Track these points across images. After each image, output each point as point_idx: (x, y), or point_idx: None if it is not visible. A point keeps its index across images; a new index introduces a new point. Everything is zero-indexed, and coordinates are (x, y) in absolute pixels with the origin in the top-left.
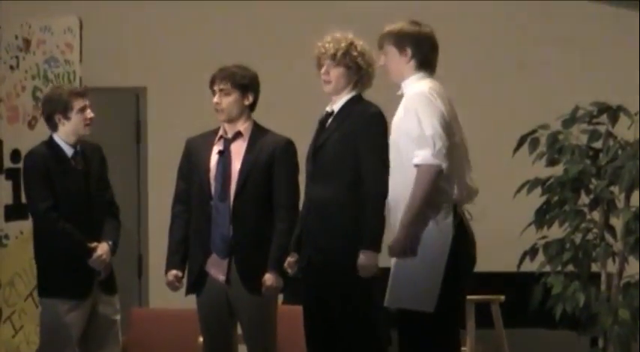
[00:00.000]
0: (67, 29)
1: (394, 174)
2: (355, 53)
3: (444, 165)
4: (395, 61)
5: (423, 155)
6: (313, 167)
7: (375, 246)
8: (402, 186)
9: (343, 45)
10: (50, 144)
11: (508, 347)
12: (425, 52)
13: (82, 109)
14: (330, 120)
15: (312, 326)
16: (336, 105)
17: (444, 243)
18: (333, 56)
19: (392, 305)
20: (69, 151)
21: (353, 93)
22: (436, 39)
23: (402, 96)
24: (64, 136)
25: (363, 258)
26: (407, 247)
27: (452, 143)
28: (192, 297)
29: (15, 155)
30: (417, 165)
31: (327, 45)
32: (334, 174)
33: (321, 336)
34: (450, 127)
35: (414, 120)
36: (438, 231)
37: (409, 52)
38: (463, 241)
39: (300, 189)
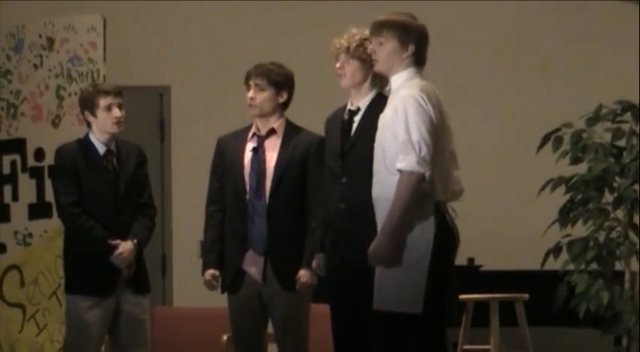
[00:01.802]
0: (90, 28)
1: (376, 173)
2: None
3: (427, 173)
4: (390, 53)
5: (408, 161)
6: (343, 166)
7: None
8: (383, 186)
9: (357, 38)
10: (84, 141)
11: (532, 346)
12: (423, 49)
13: (109, 107)
14: (357, 119)
15: (341, 327)
16: (361, 103)
17: (426, 242)
18: (347, 49)
19: (379, 307)
20: (101, 150)
21: (376, 91)
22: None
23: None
24: (97, 134)
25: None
26: (388, 255)
27: (439, 146)
28: (217, 296)
29: (38, 154)
30: (400, 170)
31: (341, 40)
32: (368, 174)
33: (349, 336)
34: (438, 130)
35: (401, 123)
36: (420, 231)
37: (411, 48)
38: (445, 239)
39: None
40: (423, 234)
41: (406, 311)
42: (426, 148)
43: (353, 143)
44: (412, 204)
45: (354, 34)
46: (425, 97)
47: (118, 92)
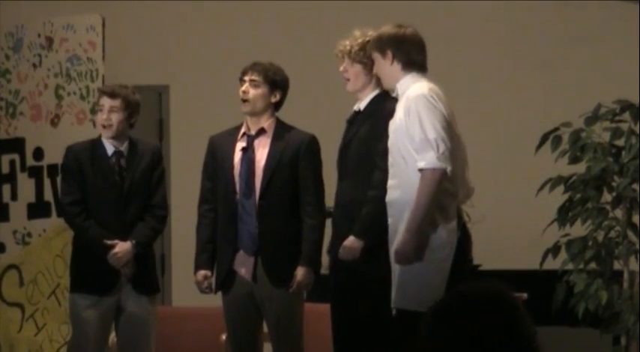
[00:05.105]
0: (89, 27)
1: (395, 177)
2: None
3: (449, 168)
4: (382, 66)
5: (428, 159)
6: (341, 166)
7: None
8: (401, 189)
9: (359, 41)
10: (95, 141)
11: None
12: (406, 52)
13: (100, 109)
14: (358, 119)
15: (339, 327)
16: (362, 104)
17: (451, 245)
18: (349, 53)
19: (398, 305)
20: (110, 150)
21: (377, 91)
22: (421, 39)
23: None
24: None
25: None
26: (413, 252)
27: (453, 144)
28: (216, 295)
29: (37, 153)
30: (421, 169)
31: (345, 42)
32: (359, 173)
33: (348, 337)
34: (451, 129)
35: (416, 123)
36: (445, 233)
37: (389, 53)
38: (466, 243)
39: (325, 188)
40: (448, 237)
41: (425, 311)
42: (444, 145)
43: (346, 144)
44: (435, 201)
45: (356, 38)
46: (435, 96)
47: (111, 94)
